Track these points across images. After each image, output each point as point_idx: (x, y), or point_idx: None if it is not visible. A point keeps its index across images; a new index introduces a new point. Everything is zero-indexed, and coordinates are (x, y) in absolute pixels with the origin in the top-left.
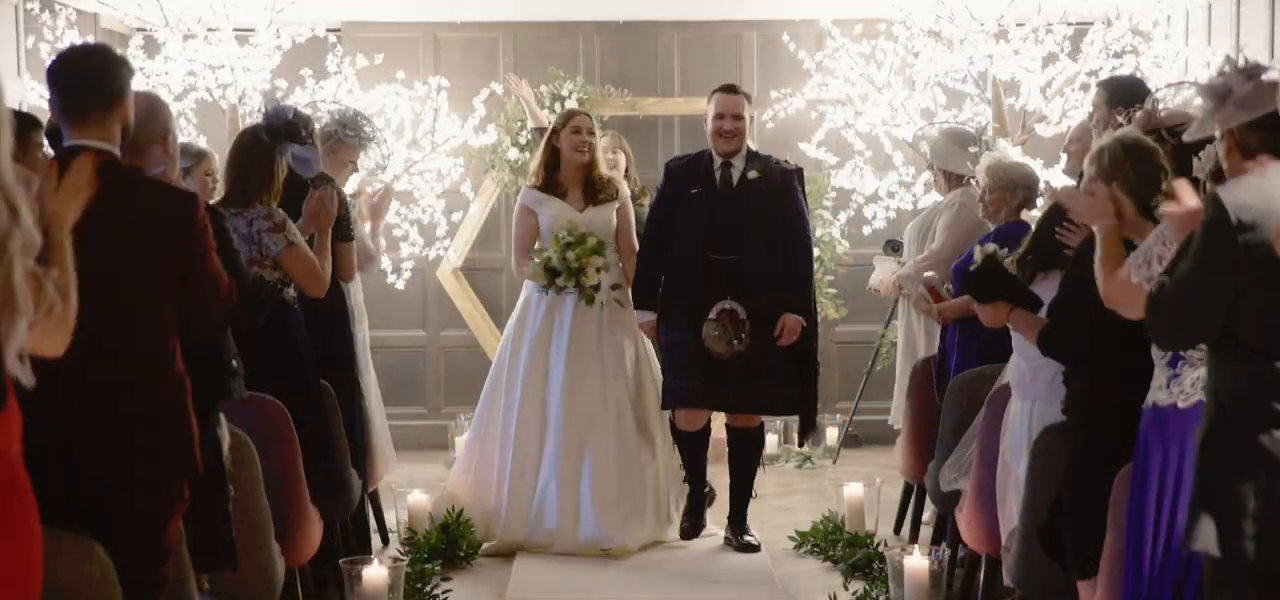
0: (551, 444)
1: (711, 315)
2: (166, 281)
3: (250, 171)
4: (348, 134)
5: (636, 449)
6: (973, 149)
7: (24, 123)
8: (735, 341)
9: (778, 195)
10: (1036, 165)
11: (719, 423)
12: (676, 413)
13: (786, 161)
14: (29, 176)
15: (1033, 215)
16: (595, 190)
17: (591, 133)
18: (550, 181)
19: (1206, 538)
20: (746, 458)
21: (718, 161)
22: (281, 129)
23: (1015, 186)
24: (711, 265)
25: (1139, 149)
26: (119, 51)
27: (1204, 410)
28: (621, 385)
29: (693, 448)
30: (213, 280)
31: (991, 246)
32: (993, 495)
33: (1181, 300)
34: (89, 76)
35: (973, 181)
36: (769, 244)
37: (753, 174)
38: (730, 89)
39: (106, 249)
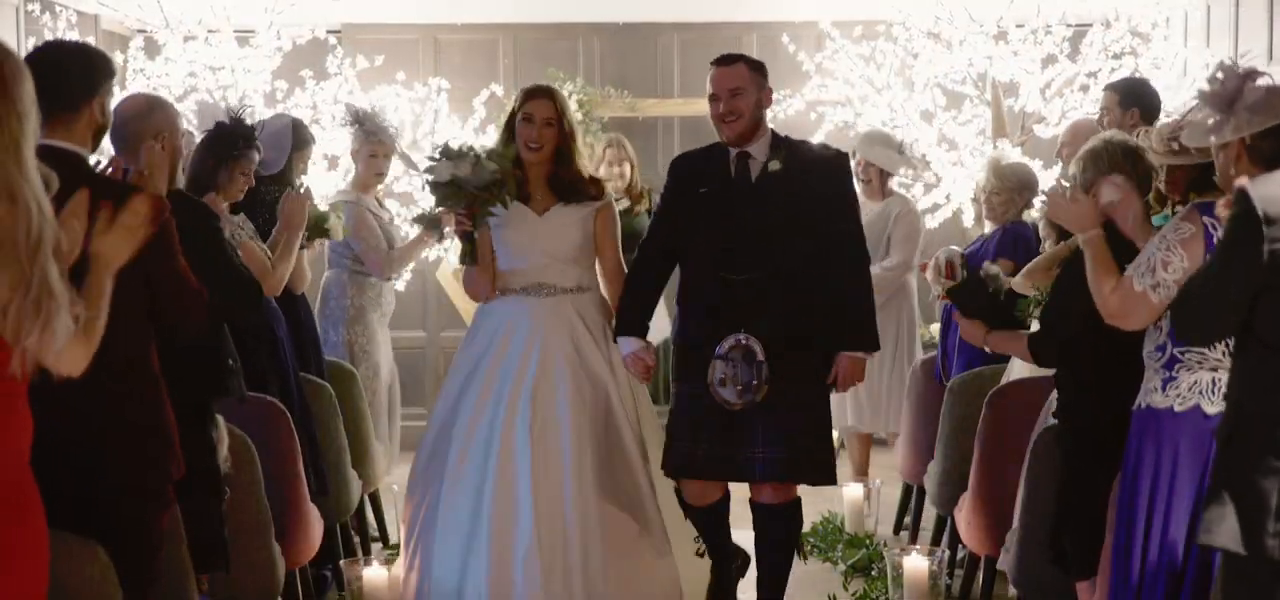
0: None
1: (719, 352)
2: (130, 281)
3: (198, 173)
4: (360, 130)
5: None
6: (900, 151)
7: None
8: (750, 388)
9: (811, 190)
10: (1036, 166)
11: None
12: (684, 483)
13: (825, 146)
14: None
15: (1031, 215)
16: (567, 188)
17: (550, 122)
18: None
19: (1228, 534)
20: (779, 542)
21: (733, 154)
22: (232, 136)
23: (1023, 187)
24: (728, 289)
25: (1127, 147)
26: (104, 53)
27: (1225, 408)
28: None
29: (710, 523)
30: (179, 281)
31: (995, 268)
32: (993, 495)
33: (1209, 295)
34: (55, 76)
35: (900, 182)
36: (803, 256)
37: (774, 165)
38: (726, 60)
39: None
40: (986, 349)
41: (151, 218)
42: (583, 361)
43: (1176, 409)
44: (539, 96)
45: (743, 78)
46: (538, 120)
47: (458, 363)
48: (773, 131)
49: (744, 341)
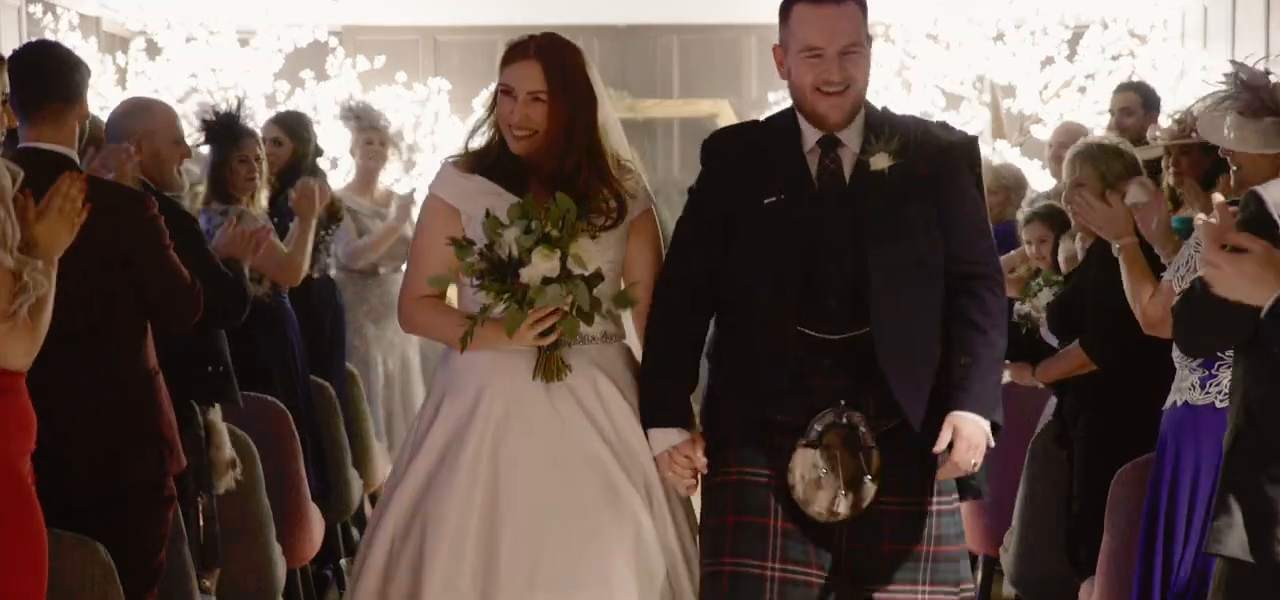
0: None
1: (811, 435)
2: (118, 278)
3: (213, 173)
4: (355, 123)
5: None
6: None
7: None
8: (855, 489)
9: (933, 199)
10: (1034, 166)
11: None
12: None
13: (946, 127)
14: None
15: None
16: (585, 191)
17: (539, 96)
18: (498, 160)
19: (1235, 542)
20: None
21: (810, 137)
22: (218, 130)
23: (1018, 186)
24: (813, 350)
25: (1119, 148)
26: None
27: (1229, 413)
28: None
29: None
30: (170, 276)
31: (1025, 307)
32: (991, 495)
33: (1217, 301)
34: (46, 69)
35: None
36: (924, 301)
37: (880, 162)
38: None
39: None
40: (1040, 385)
41: (85, 197)
42: (605, 458)
43: (1218, 405)
44: (519, 57)
45: (856, 24)
46: (520, 95)
47: (426, 434)
48: (867, 104)
49: (845, 420)
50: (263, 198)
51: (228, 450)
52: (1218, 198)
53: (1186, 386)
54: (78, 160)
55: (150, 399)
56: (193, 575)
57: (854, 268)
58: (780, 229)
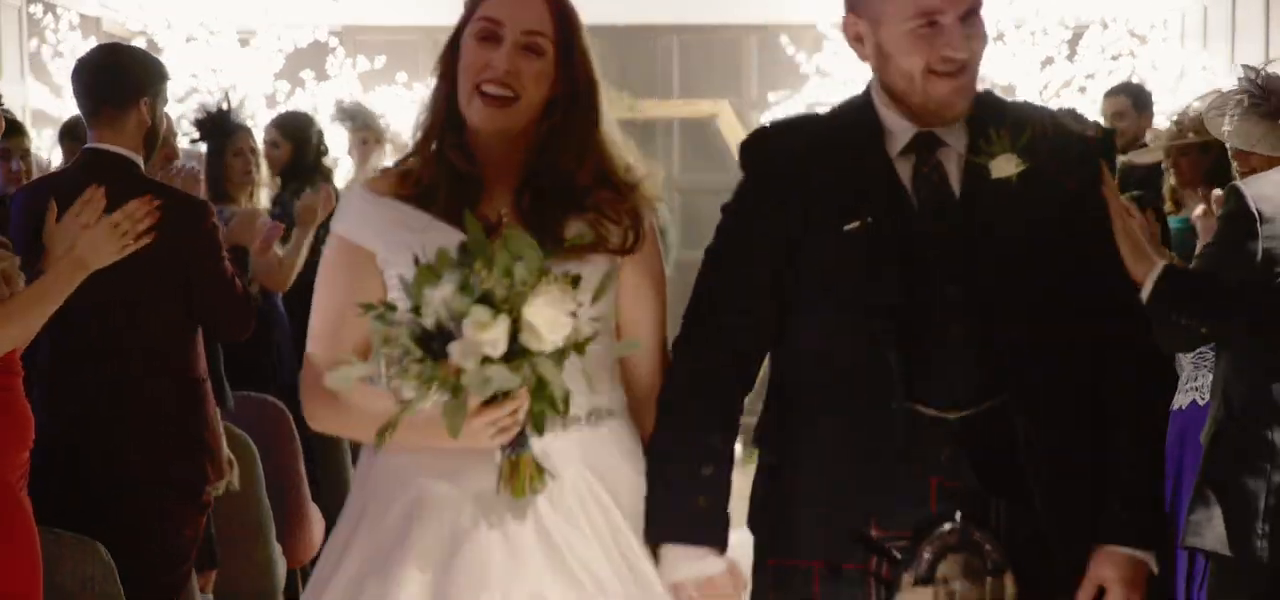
0: None
1: (922, 567)
2: (171, 284)
3: (210, 171)
4: (349, 124)
5: None
6: None
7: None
8: None
9: (1083, 219)
10: None
11: None
12: None
13: (1075, 114)
14: None
15: None
16: (563, 203)
17: (534, 43)
18: (438, 175)
19: (1213, 537)
20: None
21: (900, 136)
22: (210, 127)
23: None
24: (926, 436)
25: None
26: (156, 58)
27: (1211, 408)
28: None
29: None
30: (224, 286)
31: None
32: None
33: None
34: (104, 72)
35: None
36: (1068, 359)
37: (1004, 167)
38: None
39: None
40: None
41: (149, 224)
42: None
43: None
44: None
45: None
46: (510, 34)
47: (353, 557)
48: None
49: (964, 541)
50: (263, 196)
51: (223, 453)
52: (1217, 192)
53: (1202, 386)
54: (141, 163)
55: (198, 405)
56: (195, 578)
57: (979, 316)
58: (870, 264)
